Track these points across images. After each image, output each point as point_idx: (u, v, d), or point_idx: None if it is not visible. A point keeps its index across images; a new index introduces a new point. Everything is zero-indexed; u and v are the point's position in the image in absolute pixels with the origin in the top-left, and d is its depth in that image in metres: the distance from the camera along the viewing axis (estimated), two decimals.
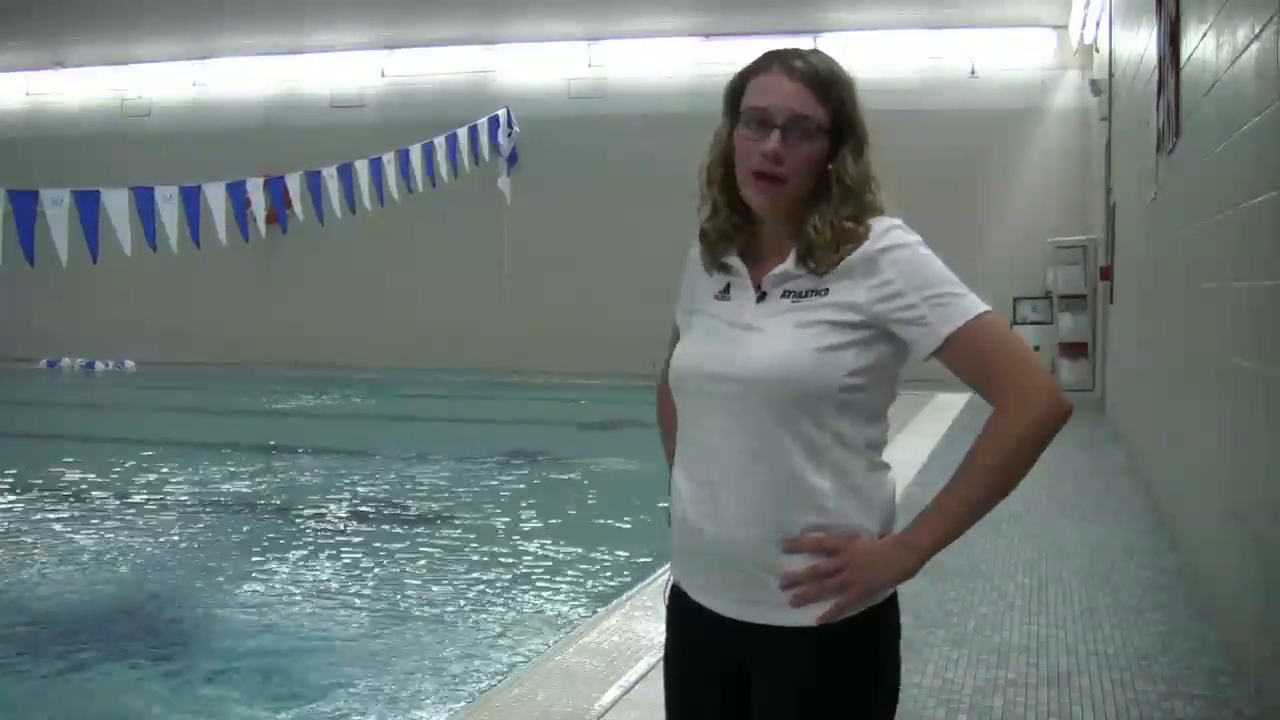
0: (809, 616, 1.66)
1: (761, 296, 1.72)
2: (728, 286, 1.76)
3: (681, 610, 1.82)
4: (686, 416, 1.78)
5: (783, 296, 1.69)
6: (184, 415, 15.28)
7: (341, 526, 7.80)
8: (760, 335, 1.68)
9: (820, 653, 1.66)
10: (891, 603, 1.73)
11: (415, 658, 4.91)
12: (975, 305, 1.64)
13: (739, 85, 1.74)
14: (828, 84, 1.68)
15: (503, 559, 6.76)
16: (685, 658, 1.83)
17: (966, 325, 1.62)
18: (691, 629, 1.80)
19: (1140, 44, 8.52)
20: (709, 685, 1.79)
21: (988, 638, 4.50)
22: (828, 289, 1.66)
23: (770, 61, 1.71)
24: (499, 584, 6.20)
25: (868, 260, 1.65)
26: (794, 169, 1.67)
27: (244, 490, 9.31)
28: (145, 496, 8.88)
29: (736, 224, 1.76)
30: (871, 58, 19.04)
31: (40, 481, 9.53)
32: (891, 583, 1.68)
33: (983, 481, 1.65)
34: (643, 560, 6.53)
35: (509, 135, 20.25)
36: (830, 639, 1.66)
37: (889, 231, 1.67)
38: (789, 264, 1.70)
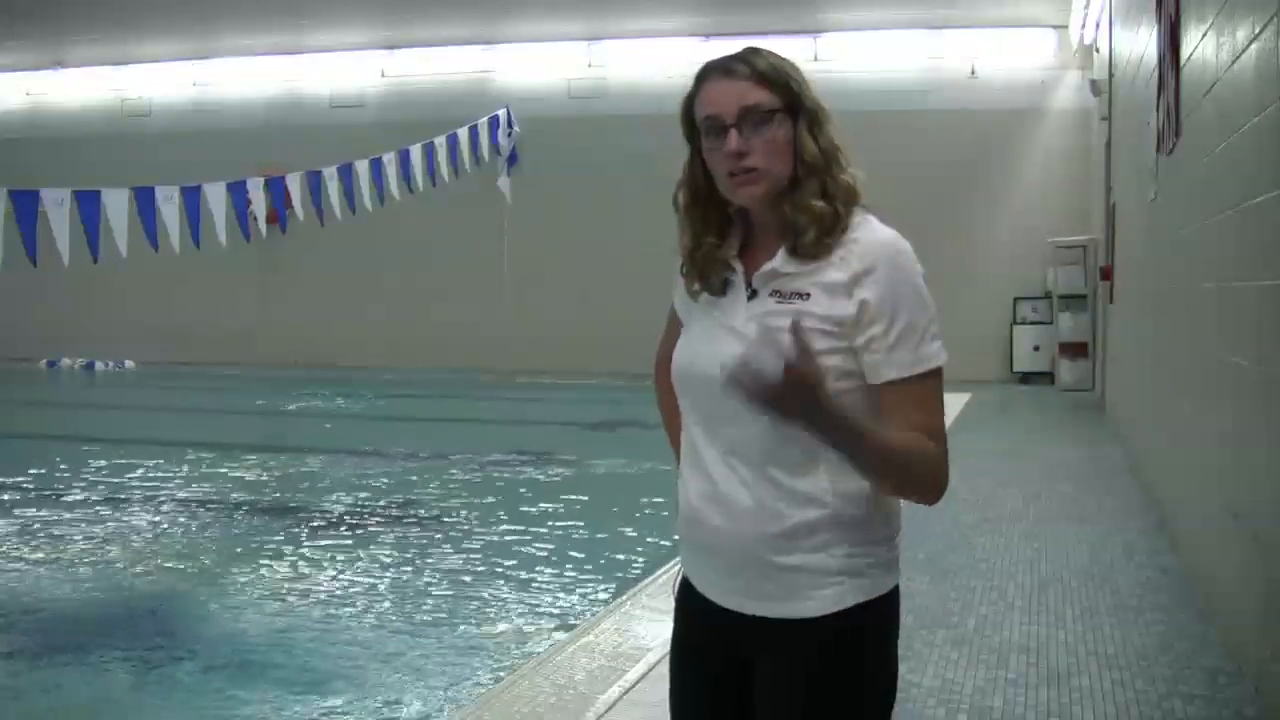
0: (811, 609, 1.68)
1: (753, 294, 1.74)
2: (725, 283, 1.78)
3: (688, 603, 1.85)
4: (687, 414, 1.82)
5: (770, 295, 1.72)
6: (184, 415, 15.29)
7: (341, 526, 7.80)
8: (748, 340, 1.69)
9: (822, 644, 1.69)
10: (893, 596, 1.75)
11: (415, 657, 4.91)
12: (929, 358, 1.67)
13: (689, 107, 1.77)
14: (766, 71, 1.70)
15: (503, 559, 6.76)
16: (690, 650, 1.86)
17: (914, 377, 1.66)
18: (697, 622, 1.83)
19: (1140, 44, 8.52)
20: (712, 677, 1.82)
21: (988, 638, 4.50)
22: (809, 293, 1.68)
23: (706, 73, 1.75)
24: (499, 584, 6.20)
25: (853, 276, 1.66)
26: (762, 156, 1.69)
27: (244, 490, 9.32)
28: (145, 496, 8.88)
29: (712, 243, 1.78)
30: (871, 58, 19.07)
31: (40, 482, 9.53)
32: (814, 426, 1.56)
33: (902, 454, 1.63)
34: (643, 560, 6.53)
35: (509, 135, 20.25)
36: (832, 631, 1.68)
37: (875, 245, 1.68)
38: (777, 261, 1.71)
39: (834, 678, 1.69)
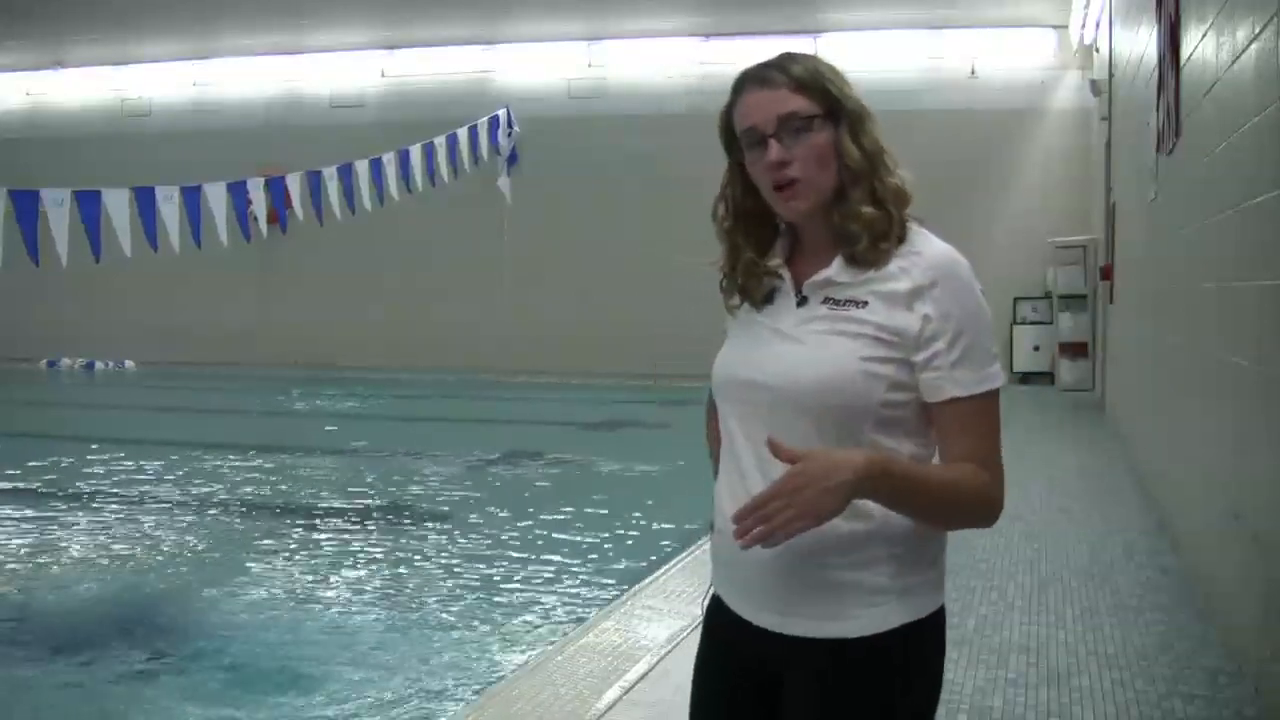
0: (855, 629, 1.63)
1: (802, 301, 1.69)
2: (772, 292, 1.74)
3: (718, 619, 1.79)
4: (727, 423, 1.76)
5: (823, 303, 1.67)
6: (184, 415, 15.29)
7: (341, 527, 7.80)
8: (801, 346, 1.65)
9: (865, 666, 1.63)
10: (939, 616, 1.70)
11: (416, 657, 4.91)
12: (991, 378, 1.64)
13: (728, 119, 1.73)
14: (802, 77, 1.66)
15: (502, 559, 6.76)
16: (717, 666, 1.80)
17: (975, 397, 1.63)
18: (728, 639, 1.76)
19: (1140, 44, 8.52)
20: (739, 695, 1.76)
21: (988, 638, 4.50)
22: (867, 302, 1.63)
23: (742, 84, 1.70)
24: (499, 584, 6.20)
25: (914, 289, 1.62)
26: (804, 164, 1.64)
27: (244, 490, 9.31)
28: (145, 497, 8.88)
29: (750, 259, 1.74)
30: (871, 58, 19.05)
31: (40, 482, 9.53)
32: (833, 503, 1.52)
33: (949, 494, 1.61)
34: (644, 560, 6.53)
35: (509, 135, 20.25)
36: (876, 652, 1.62)
37: (939, 261, 1.65)
38: (832, 270, 1.67)
39: (875, 702, 1.63)
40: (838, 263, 1.67)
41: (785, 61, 1.69)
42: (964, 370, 1.62)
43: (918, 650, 1.66)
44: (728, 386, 1.75)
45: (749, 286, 1.75)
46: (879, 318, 1.62)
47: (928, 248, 1.66)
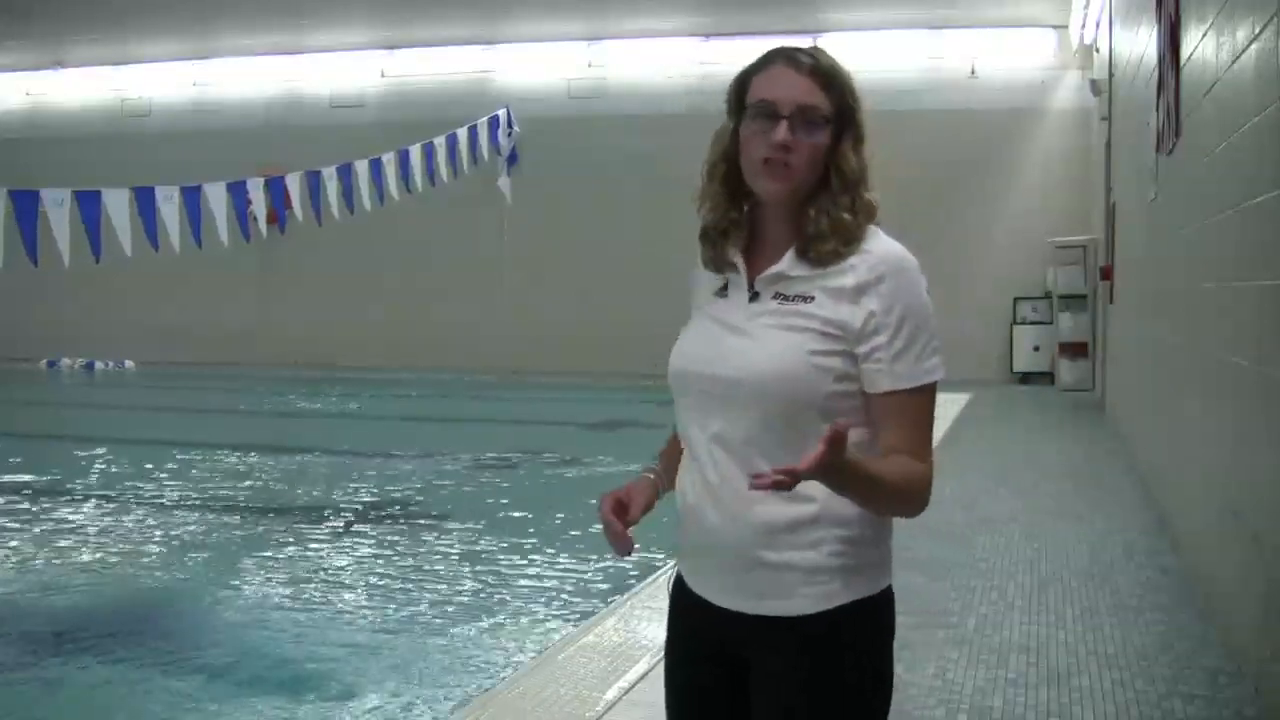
0: (799, 607, 1.69)
1: (754, 296, 1.75)
2: (726, 284, 1.79)
3: (682, 601, 1.86)
4: (681, 413, 1.82)
5: (773, 298, 1.72)
6: (184, 415, 15.29)
7: (342, 527, 7.80)
8: (750, 339, 1.71)
9: (811, 644, 1.69)
10: (885, 597, 1.75)
11: (416, 657, 4.91)
12: (929, 372, 1.70)
13: (743, 83, 1.76)
14: (831, 76, 1.72)
15: (503, 558, 6.76)
16: (683, 647, 1.87)
17: (911, 390, 1.68)
18: (691, 619, 1.83)
19: (1140, 44, 8.53)
20: (707, 675, 1.82)
21: (988, 638, 4.50)
22: (814, 297, 1.69)
23: (774, 57, 1.75)
24: (499, 584, 6.20)
25: (860, 284, 1.68)
26: (801, 159, 1.70)
27: (244, 490, 9.31)
28: (145, 497, 8.88)
29: (735, 219, 1.79)
30: (871, 58, 19.05)
31: (40, 482, 9.53)
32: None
33: (890, 485, 1.64)
34: (643, 560, 6.53)
35: (509, 135, 20.25)
36: (821, 630, 1.68)
37: (887, 258, 1.70)
38: (784, 264, 1.72)
39: (824, 677, 1.69)
40: (790, 256, 1.72)
41: (820, 56, 1.74)
42: (903, 363, 1.68)
43: (866, 627, 1.72)
44: (681, 377, 1.80)
45: (722, 250, 1.79)
46: (825, 312, 1.68)
47: (877, 246, 1.72)
